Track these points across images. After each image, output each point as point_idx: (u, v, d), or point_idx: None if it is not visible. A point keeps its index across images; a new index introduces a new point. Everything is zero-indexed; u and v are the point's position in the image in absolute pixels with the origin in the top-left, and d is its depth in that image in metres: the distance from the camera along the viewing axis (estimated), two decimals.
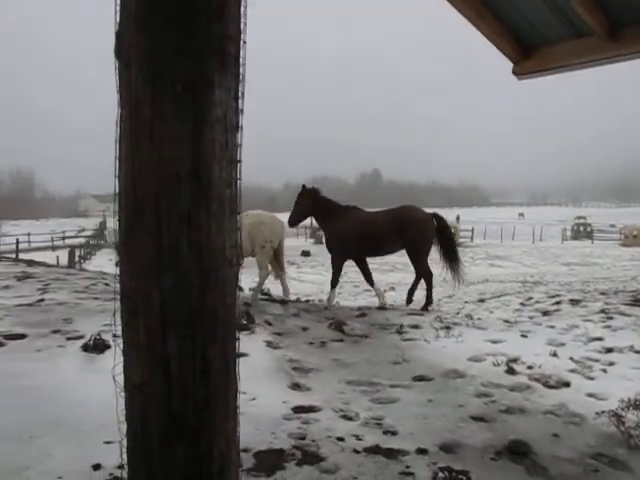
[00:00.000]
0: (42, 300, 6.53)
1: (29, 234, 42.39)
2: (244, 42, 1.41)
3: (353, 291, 14.33)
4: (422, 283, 8.69)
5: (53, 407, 3.23)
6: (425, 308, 8.47)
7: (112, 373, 1.51)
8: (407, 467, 2.79)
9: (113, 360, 1.51)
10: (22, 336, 4.64)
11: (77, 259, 29.90)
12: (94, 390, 3.53)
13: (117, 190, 1.42)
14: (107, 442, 2.79)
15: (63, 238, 45.81)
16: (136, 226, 1.36)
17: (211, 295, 1.38)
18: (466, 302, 9.78)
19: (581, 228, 50.61)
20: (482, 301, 9.64)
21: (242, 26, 1.42)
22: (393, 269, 22.34)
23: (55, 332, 4.86)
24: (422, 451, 3.00)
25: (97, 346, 4.35)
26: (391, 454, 2.94)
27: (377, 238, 8.59)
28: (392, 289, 12.92)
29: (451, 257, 8.82)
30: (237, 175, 1.44)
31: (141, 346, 1.37)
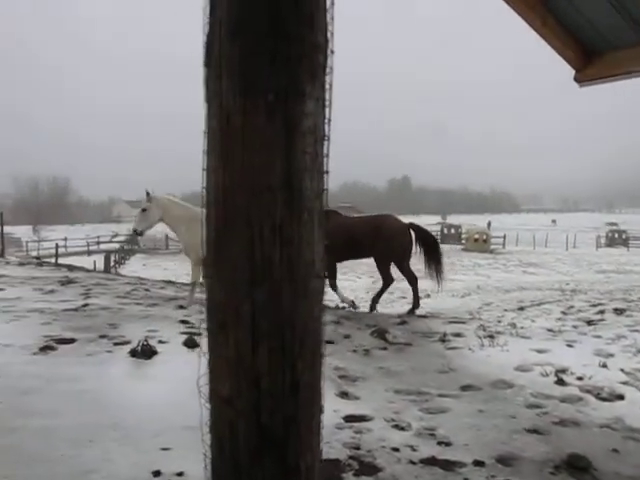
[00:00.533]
0: (86, 305, 6.65)
1: (65, 239, 43.28)
2: (332, 51, 1.40)
3: (388, 298, 14.22)
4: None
5: (107, 412, 3.27)
6: (412, 311, 8.88)
7: (197, 384, 1.51)
8: None
9: (197, 371, 1.51)
10: (72, 340, 4.73)
11: (112, 264, 30.43)
12: (145, 396, 3.58)
13: (205, 201, 1.41)
14: (164, 449, 2.81)
15: (98, 243, 46.77)
16: (227, 238, 1.35)
17: (301, 308, 1.36)
18: (505, 310, 9.64)
19: (616, 235, 49.60)
20: (522, 309, 9.50)
21: (329, 35, 1.41)
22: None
23: (102, 337, 4.93)
24: (479, 463, 2.93)
25: (145, 352, 4.39)
26: (448, 466, 2.88)
27: (354, 244, 8.92)
28: (427, 296, 12.80)
29: (434, 262, 9.11)
30: (324, 186, 1.42)
31: (230, 359, 1.36)
